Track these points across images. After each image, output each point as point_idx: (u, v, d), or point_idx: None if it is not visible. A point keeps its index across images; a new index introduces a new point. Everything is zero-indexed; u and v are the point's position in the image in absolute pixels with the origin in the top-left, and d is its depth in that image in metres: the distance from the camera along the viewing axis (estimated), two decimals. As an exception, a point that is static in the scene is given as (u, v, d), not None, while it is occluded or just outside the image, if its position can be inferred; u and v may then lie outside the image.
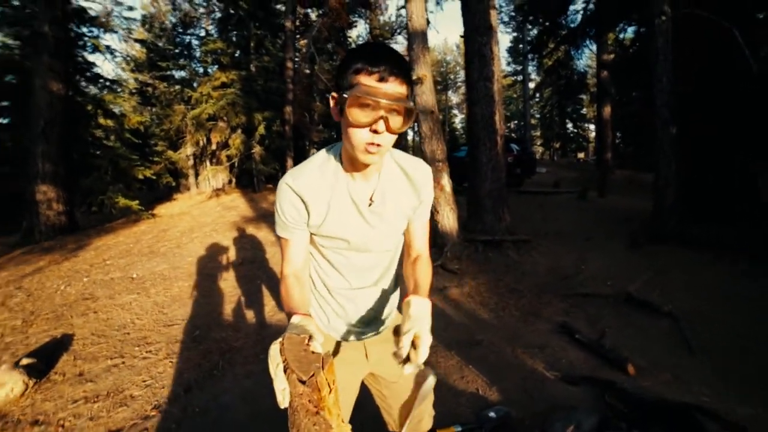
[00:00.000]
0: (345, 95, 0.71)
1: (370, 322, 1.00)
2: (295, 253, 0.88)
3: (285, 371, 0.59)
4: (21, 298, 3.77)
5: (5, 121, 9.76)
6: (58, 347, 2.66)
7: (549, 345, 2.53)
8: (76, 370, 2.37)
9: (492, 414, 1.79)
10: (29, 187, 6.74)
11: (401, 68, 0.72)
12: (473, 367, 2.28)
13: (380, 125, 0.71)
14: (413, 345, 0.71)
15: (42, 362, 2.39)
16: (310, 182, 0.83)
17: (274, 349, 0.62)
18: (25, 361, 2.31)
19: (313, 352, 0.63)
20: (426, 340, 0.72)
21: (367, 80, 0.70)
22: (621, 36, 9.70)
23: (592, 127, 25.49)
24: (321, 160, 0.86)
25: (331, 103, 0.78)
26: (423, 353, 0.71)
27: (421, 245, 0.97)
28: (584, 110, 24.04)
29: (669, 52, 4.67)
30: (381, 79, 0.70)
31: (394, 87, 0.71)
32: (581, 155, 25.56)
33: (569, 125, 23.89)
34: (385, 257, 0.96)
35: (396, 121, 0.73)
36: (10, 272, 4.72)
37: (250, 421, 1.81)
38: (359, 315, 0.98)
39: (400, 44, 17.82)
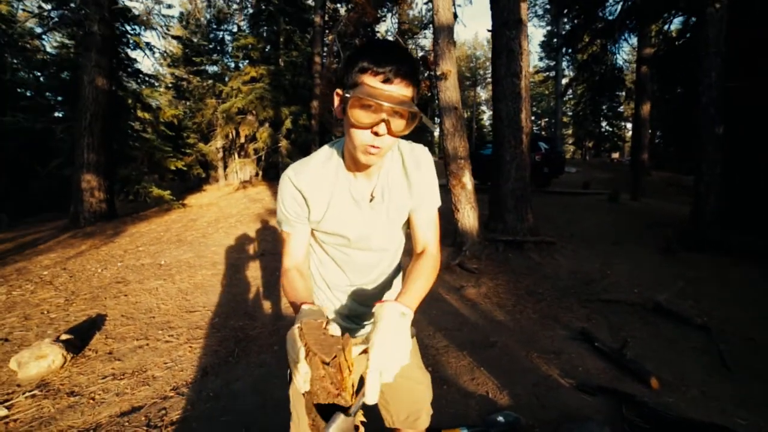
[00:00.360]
0: (348, 95, 0.70)
1: (369, 318, 1.00)
2: (296, 247, 0.88)
3: (306, 355, 0.59)
4: (65, 278, 4.07)
5: (60, 115, 10.56)
6: (92, 326, 2.87)
7: (566, 351, 2.43)
8: (106, 349, 2.54)
9: (500, 418, 1.75)
10: (75, 176, 7.25)
11: (408, 69, 0.70)
12: (485, 369, 2.24)
13: (381, 128, 0.70)
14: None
15: (78, 339, 2.59)
16: (312, 177, 0.83)
17: (294, 334, 0.62)
18: (64, 337, 2.51)
19: (332, 335, 0.63)
20: (376, 360, 0.59)
21: (372, 81, 0.69)
22: (666, 27, 9.05)
23: (628, 125, 24.13)
24: (324, 156, 0.86)
25: (335, 100, 0.77)
26: (370, 382, 0.58)
27: (428, 239, 0.91)
28: (621, 108, 22.77)
29: (721, 44, 4.31)
30: (386, 81, 0.69)
31: (399, 89, 0.70)
32: (616, 155, 24.29)
33: (604, 123, 22.73)
34: (386, 256, 0.95)
35: (398, 123, 0.72)
36: (58, 254, 5.12)
37: (258, 410, 1.87)
38: (358, 311, 0.98)
39: (429, 39, 17.58)
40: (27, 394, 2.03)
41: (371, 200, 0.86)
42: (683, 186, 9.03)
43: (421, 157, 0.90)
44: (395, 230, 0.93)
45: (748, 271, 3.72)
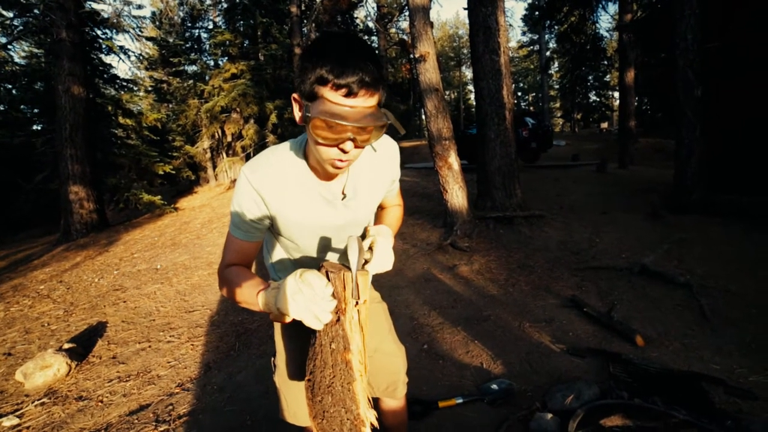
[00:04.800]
0: (308, 114, 0.64)
1: None
2: (246, 256, 0.84)
3: (327, 276, 0.64)
4: (62, 290, 4.09)
5: (39, 128, 10.36)
6: (94, 333, 2.91)
7: (557, 319, 2.52)
8: (110, 354, 2.59)
9: (494, 386, 1.83)
10: (62, 188, 7.18)
11: (372, 77, 0.63)
12: (479, 341, 2.32)
13: (348, 145, 0.66)
14: (371, 249, 0.76)
15: (81, 347, 2.64)
16: (276, 182, 0.78)
17: (315, 273, 0.64)
18: (67, 346, 2.56)
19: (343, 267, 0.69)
20: (382, 246, 0.75)
21: (333, 96, 0.62)
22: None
23: (616, 95, 24.12)
24: (285, 158, 0.80)
25: (294, 107, 0.72)
26: (378, 254, 0.74)
27: (396, 201, 1.06)
28: (608, 77, 22.71)
29: (696, 5, 4.30)
30: (349, 94, 0.62)
31: (364, 101, 0.64)
32: (604, 125, 24.34)
33: (591, 94, 22.70)
34: (361, 228, 0.96)
35: (365, 137, 0.67)
36: (53, 268, 5.12)
37: (262, 398, 1.94)
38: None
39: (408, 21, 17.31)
40: (36, 402, 2.08)
41: (344, 198, 0.84)
42: (670, 151, 9.14)
43: (391, 151, 0.91)
44: (371, 214, 0.95)
45: (730, 229, 3.83)
